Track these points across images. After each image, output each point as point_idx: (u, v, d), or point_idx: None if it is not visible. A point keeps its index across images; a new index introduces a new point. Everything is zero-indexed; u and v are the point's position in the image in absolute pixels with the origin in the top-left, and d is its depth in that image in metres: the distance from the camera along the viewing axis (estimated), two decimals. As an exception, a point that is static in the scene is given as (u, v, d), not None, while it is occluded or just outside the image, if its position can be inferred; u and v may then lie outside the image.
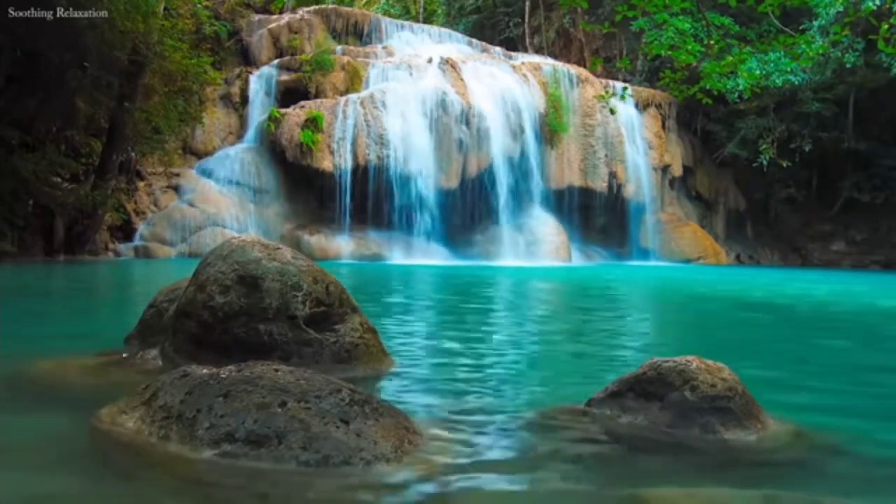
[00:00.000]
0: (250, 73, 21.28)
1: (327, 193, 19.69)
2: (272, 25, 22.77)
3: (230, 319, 3.18)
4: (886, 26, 6.96)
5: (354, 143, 19.48)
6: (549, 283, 12.69)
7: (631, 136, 24.27)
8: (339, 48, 22.45)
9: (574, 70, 24.16)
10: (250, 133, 20.45)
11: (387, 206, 19.89)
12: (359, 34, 24.29)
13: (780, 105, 24.36)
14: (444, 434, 2.35)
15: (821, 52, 13.71)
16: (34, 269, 12.11)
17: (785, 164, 23.29)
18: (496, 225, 21.23)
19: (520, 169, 21.78)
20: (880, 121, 24.25)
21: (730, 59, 8.01)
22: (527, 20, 31.06)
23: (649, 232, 24.45)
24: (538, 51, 29.19)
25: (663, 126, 25.71)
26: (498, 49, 26.33)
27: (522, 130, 21.66)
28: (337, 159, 19.39)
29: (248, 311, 3.18)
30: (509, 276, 14.13)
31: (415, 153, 19.87)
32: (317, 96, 20.49)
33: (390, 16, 30.47)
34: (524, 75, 22.66)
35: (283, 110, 19.79)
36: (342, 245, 19.13)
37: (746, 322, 7.32)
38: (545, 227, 21.60)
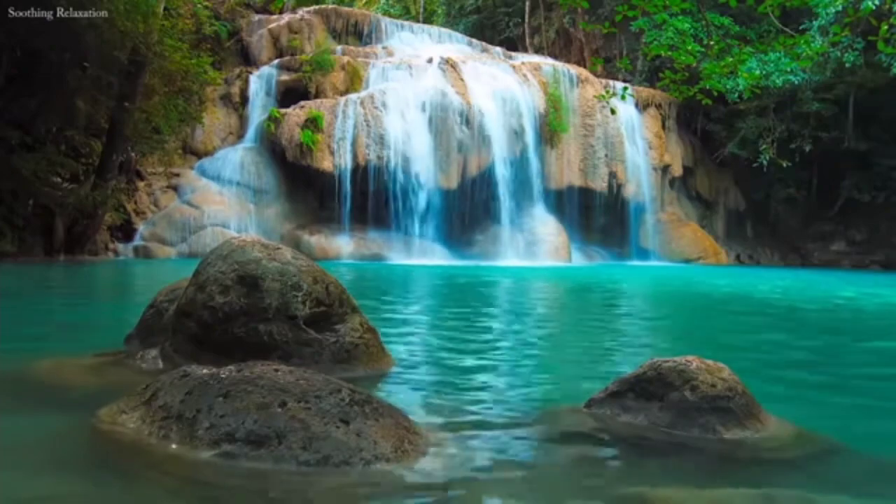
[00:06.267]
0: (250, 73, 21.27)
1: (327, 193, 19.69)
2: (272, 25, 22.76)
3: (230, 319, 3.18)
4: (886, 26, 6.95)
5: (354, 143, 19.48)
6: (549, 284, 12.69)
7: (631, 136, 24.26)
8: (339, 48, 22.44)
9: (574, 70, 24.16)
10: (250, 133, 20.44)
11: (387, 206, 19.89)
12: (359, 34, 24.28)
13: (780, 105, 24.35)
14: (444, 434, 2.35)
15: (821, 52, 13.72)
16: (34, 269, 12.10)
17: (785, 164, 23.28)
18: (496, 225, 21.23)
19: (520, 169, 21.77)
20: (880, 121, 24.24)
21: (730, 59, 8.01)
22: (527, 20, 31.06)
23: (649, 232, 24.45)
24: (538, 51, 29.18)
25: (663, 126, 25.71)
26: (498, 49, 26.31)
27: (522, 130, 21.65)
28: (337, 159, 19.38)
29: (248, 312, 3.18)
30: (509, 276, 14.13)
31: (415, 153, 19.87)
32: (317, 96, 20.49)
33: (390, 16, 30.47)
34: (524, 75, 22.66)
35: (283, 110, 19.79)
36: (342, 245, 19.13)
37: (746, 322, 7.32)
38: (545, 227, 21.59)
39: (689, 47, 8.22)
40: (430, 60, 21.80)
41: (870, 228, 26.05)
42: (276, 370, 2.24)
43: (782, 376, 3.93)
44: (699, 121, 26.47)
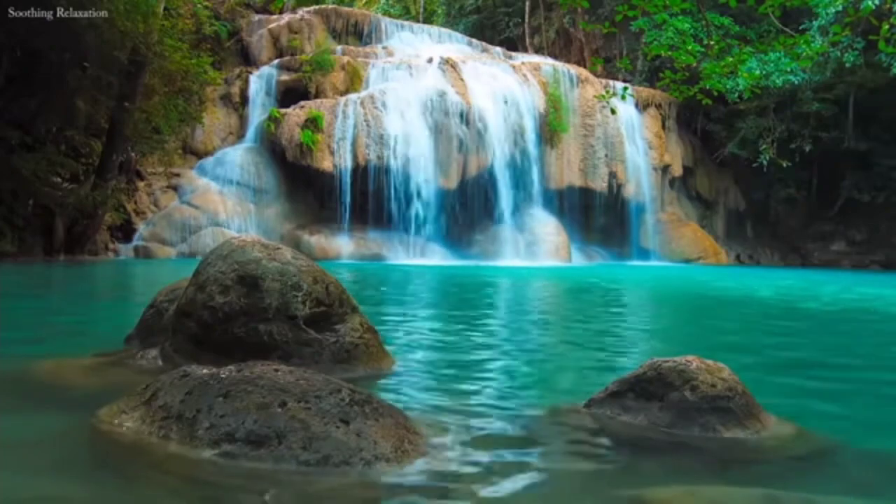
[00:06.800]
0: (250, 73, 21.27)
1: (327, 193, 19.69)
2: (272, 25, 22.76)
3: (230, 319, 3.18)
4: (887, 26, 6.95)
5: (354, 143, 19.48)
6: (550, 284, 12.69)
7: (631, 136, 24.27)
8: (339, 48, 22.45)
9: (574, 70, 24.16)
10: (250, 133, 20.45)
11: (387, 206, 19.89)
12: (359, 34, 24.28)
13: (780, 105, 24.36)
14: (444, 434, 2.35)
15: (821, 52, 13.73)
16: (34, 269, 12.10)
17: (785, 164, 23.29)
18: (496, 225, 21.23)
19: (520, 169, 21.77)
20: (880, 121, 24.24)
21: (730, 59, 8.01)
22: (527, 20, 31.06)
23: (649, 232, 24.45)
24: (538, 51, 29.19)
25: (663, 126, 25.71)
26: (498, 49, 26.32)
27: (522, 130, 21.65)
28: (337, 159, 19.39)
29: (248, 312, 3.18)
30: (509, 276, 14.13)
31: (415, 153, 19.87)
32: (317, 96, 20.49)
33: (390, 16, 30.47)
34: (524, 75, 22.66)
35: (283, 110, 19.79)
36: (342, 245, 19.13)
37: (746, 322, 7.32)
38: (545, 227, 21.60)
39: (689, 47, 8.22)
40: (430, 60, 21.80)
41: (870, 228, 26.05)
42: (276, 370, 2.24)
43: (782, 376, 3.93)
44: (699, 121, 26.48)
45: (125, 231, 17.31)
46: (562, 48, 30.43)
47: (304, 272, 3.31)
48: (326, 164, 19.33)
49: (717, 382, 2.45)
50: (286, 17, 23.41)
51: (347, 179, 19.44)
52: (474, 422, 2.56)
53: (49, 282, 10.45)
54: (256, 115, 20.59)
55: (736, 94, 21.11)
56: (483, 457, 2.17)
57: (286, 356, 3.09)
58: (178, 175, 18.81)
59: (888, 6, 15.13)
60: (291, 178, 19.82)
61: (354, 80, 21.16)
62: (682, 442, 2.34)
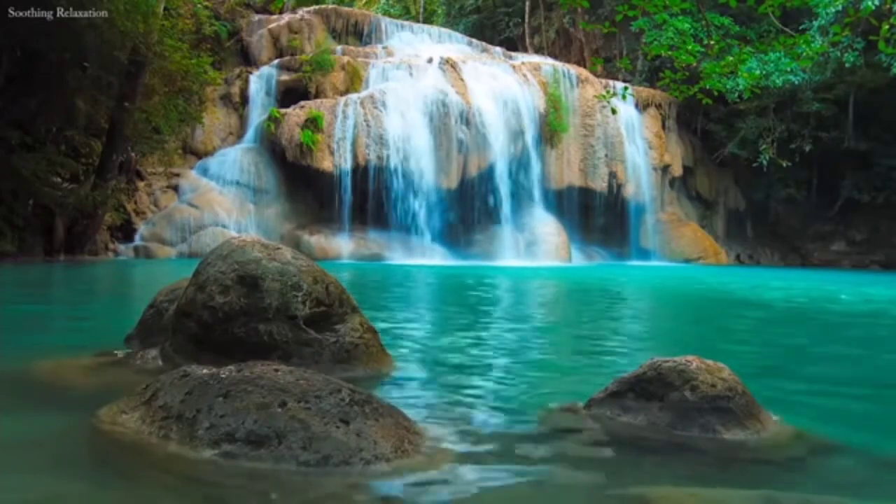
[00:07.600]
0: (250, 73, 21.27)
1: (327, 193, 19.69)
2: (272, 25, 22.76)
3: (230, 319, 3.18)
4: (887, 26, 6.95)
5: (354, 143, 19.48)
6: (549, 284, 12.68)
7: (631, 136, 24.26)
8: (339, 48, 22.45)
9: (574, 70, 24.16)
10: (250, 133, 20.44)
11: (387, 206, 19.88)
12: (359, 34, 24.29)
13: (780, 105, 24.36)
14: (444, 434, 2.35)
15: (821, 52, 13.73)
16: (34, 269, 12.10)
17: (785, 164, 23.30)
18: (496, 225, 21.23)
19: (520, 169, 21.77)
20: (880, 121, 24.25)
21: (730, 59, 8.02)
22: (527, 20, 31.07)
23: (649, 232, 24.45)
24: (538, 51, 29.19)
25: (663, 126, 25.71)
26: (498, 49, 26.32)
27: (522, 130, 21.65)
28: (337, 159, 19.38)
29: (248, 312, 3.18)
30: (509, 276, 14.12)
31: (415, 153, 19.87)
32: (317, 96, 20.49)
33: (390, 16, 30.46)
34: (524, 75, 22.65)
35: (283, 110, 19.78)
36: (342, 245, 19.13)
37: (747, 322, 7.31)
38: (545, 227, 21.59)
39: (689, 47, 8.22)
40: (430, 60, 21.80)
41: (870, 228, 26.05)
42: (276, 370, 2.24)
43: (783, 377, 3.93)
44: (699, 121, 26.48)
45: (125, 231, 17.31)
46: (562, 48, 30.43)
47: (304, 272, 3.31)
48: (326, 164, 19.33)
49: (717, 382, 2.45)
50: (286, 17, 23.41)
51: (347, 179, 19.44)
52: (474, 422, 2.57)
53: (49, 282, 10.45)
54: (256, 115, 20.58)
55: (736, 94, 21.11)
56: (483, 456, 2.17)
57: (286, 356, 3.09)
58: (178, 175, 18.81)
59: (888, 6, 15.13)
60: (291, 178, 19.81)
61: (354, 80, 21.16)
62: (682, 442, 2.34)
